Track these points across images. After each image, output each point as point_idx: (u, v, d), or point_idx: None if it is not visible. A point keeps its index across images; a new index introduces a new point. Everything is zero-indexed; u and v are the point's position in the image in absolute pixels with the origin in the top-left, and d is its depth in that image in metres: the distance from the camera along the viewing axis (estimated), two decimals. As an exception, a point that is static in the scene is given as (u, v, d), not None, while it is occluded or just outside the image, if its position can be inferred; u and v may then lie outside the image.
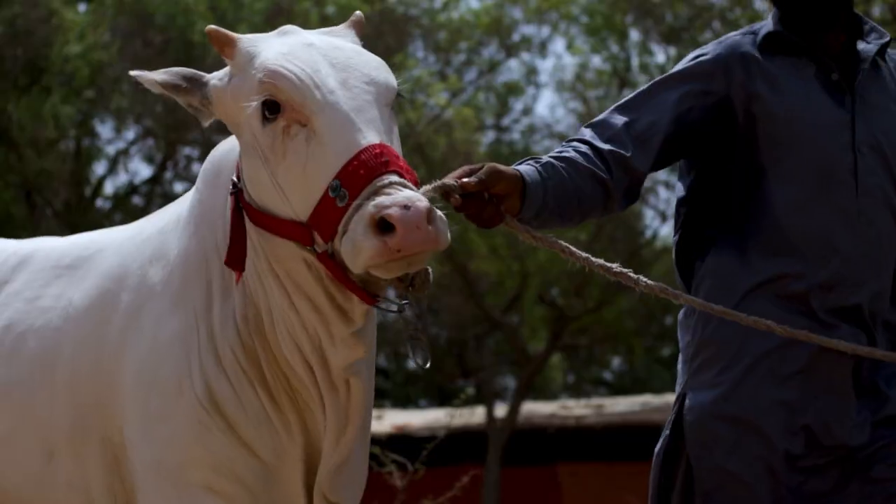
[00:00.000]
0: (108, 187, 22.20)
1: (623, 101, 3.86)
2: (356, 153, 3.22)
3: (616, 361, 33.88)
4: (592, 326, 22.62)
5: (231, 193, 3.54)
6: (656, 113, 3.77)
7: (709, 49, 3.87)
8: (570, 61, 22.65)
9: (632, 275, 3.57)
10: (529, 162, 3.66)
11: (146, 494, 3.62)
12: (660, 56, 18.64)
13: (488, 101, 20.04)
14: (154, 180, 21.43)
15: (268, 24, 17.18)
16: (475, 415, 22.07)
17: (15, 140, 18.32)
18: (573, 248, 3.57)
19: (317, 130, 3.29)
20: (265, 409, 3.58)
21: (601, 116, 3.84)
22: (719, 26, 16.07)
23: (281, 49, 3.43)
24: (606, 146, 3.72)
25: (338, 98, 3.31)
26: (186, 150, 20.84)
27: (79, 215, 19.31)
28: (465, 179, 3.47)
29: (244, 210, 3.49)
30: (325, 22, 16.94)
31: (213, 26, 3.54)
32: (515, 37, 20.03)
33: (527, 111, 20.44)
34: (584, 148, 3.72)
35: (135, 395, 3.64)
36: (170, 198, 21.96)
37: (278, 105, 3.35)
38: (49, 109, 17.68)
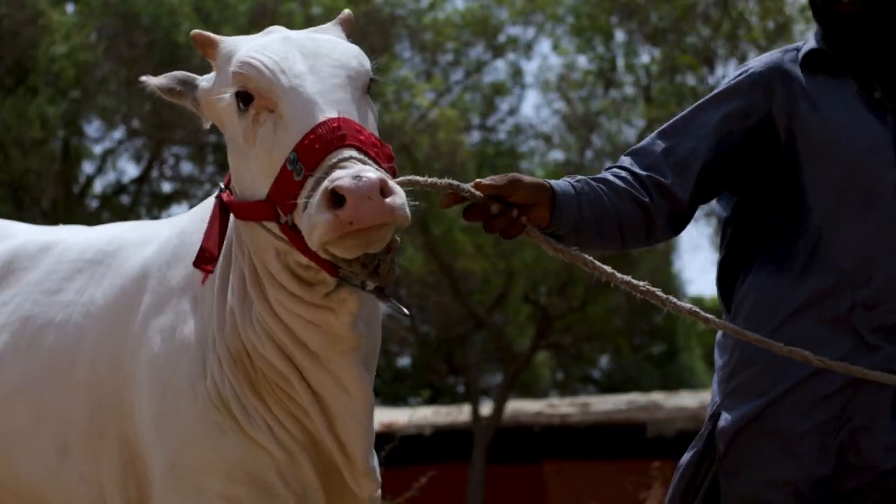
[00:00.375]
0: (97, 186, 22.24)
1: (664, 126, 3.82)
2: (313, 127, 3.23)
3: (604, 359, 33.93)
4: (577, 325, 22.67)
5: (216, 196, 3.57)
6: (696, 138, 3.75)
7: (749, 67, 3.84)
8: (556, 62, 22.63)
9: (660, 294, 3.52)
10: (564, 178, 3.63)
11: (163, 499, 3.63)
12: (645, 57, 18.68)
13: (474, 101, 20.06)
14: (141, 179, 21.44)
15: (252, 24, 17.20)
16: (462, 413, 22.12)
17: (1, 140, 18.35)
18: (597, 263, 3.51)
19: (282, 115, 3.31)
20: (258, 407, 3.58)
21: (642, 143, 3.80)
22: (702, 26, 16.12)
23: (255, 44, 3.48)
24: (645, 172, 3.69)
25: (303, 82, 3.32)
26: (175, 149, 20.82)
27: (66, 214, 19.32)
28: (478, 180, 3.46)
29: (230, 209, 3.51)
30: (311, 22, 16.93)
31: (197, 30, 3.58)
32: (502, 37, 20.06)
33: (512, 111, 20.46)
34: (623, 173, 3.69)
35: (150, 393, 3.65)
36: (157, 197, 21.95)
37: (251, 95, 3.38)
38: (34, 109, 17.70)
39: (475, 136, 20.05)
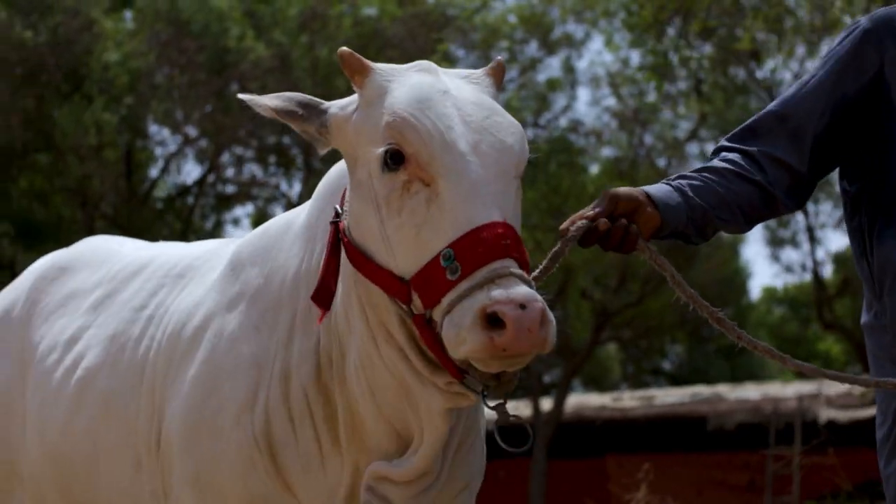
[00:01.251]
0: (161, 189, 22.38)
1: (781, 96, 3.78)
2: (476, 227, 3.01)
3: (674, 352, 33.87)
4: (636, 319, 22.66)
5: (332, 223, 3.38)
6: (811, 103, 3.70)
7: (857, 25, 3.74)
8: (609, 58, 22.56)
9: (736, 328, 3.47)
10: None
11: None
12: (697, 52, 18.59)
13: (527, 99, 20.04)
14: (202, 182, 21.55)
15: (303, 28, 17.26)
16: (526, 407, 22.15)
17: (59, 146, 18.56)
18: (683, 282, 3.49)
19: (440, 194, 3.07)
20: (320, 453, 3.47)
21: (757, 116, 3.76)
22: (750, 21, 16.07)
23: (414, 93, 3.20)
24: (755, 148, 3.68)
25: (467, 165, 3.08)
26: (237, 150, 20.87)
27: (128, 217, 19.51)
28: (580, 213, 3.46)
29: (343, 244, 3.31)
30: (361, 26, 17.00)
31: (346, 49, 3.32)
32: (555, 34, 20.04)
33: (566, 108, 20.43)
34: (729, 156, 3.69)
35: (191, 392, 3.59)
36: (221, 198, 22.06)
37: (402, 156, 3.13)
38: (90, 116, 17.90)
39: (529, 133, 20.07)
